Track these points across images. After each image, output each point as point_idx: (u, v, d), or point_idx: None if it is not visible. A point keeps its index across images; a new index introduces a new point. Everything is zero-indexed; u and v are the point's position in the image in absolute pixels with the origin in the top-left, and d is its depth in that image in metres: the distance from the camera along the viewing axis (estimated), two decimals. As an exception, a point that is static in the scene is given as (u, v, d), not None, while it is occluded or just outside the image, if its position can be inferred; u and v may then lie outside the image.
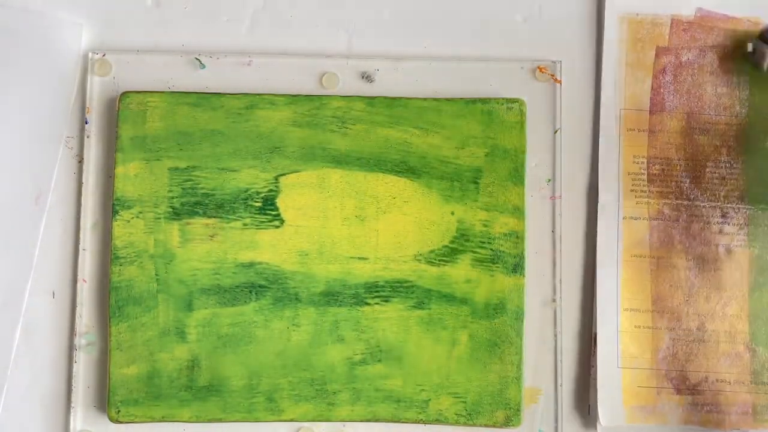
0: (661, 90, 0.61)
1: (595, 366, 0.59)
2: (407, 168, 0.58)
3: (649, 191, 0.60)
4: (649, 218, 0.60)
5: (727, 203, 0.60)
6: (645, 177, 0.60)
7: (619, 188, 0.60)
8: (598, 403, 0.58)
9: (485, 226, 0.58)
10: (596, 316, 0.59)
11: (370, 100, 0.59)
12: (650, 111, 0.60)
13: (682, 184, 0.60)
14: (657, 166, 0.60)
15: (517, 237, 0.58)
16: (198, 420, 0.57)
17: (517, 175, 0.58)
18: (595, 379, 0.59)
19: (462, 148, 0.59)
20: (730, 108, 0.60)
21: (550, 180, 0.60)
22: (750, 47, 0.60)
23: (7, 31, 0.60)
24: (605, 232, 0.60)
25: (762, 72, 0.59)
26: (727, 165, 0.60)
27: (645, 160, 0.60)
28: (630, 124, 0.60)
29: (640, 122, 0.60)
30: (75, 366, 0.58)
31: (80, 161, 0.60)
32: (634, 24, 0.61)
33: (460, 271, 0.58)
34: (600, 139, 0.60)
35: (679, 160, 0.60)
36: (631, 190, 0.60)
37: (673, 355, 0.59)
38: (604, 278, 0.59)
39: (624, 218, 0.60)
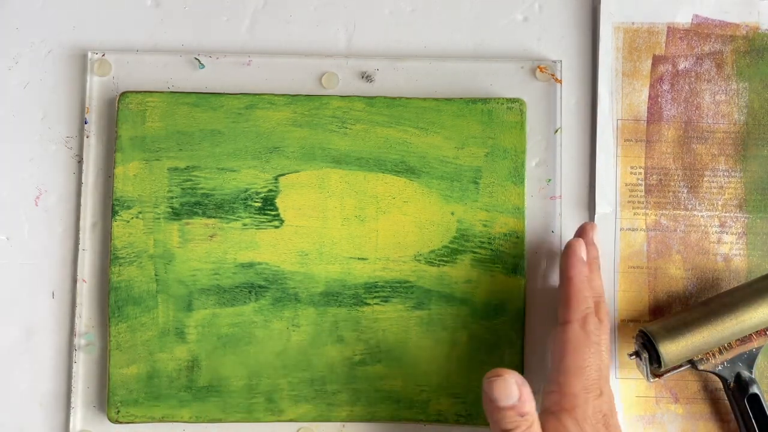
0: (659, 99, 0.60)
1: None
2: (407, 168, 0.58)
3: (647, 202, 0.59)
4: (647, 229, 0.59)
5: (726, 212, 0.59)
6: (642, 188, 0.60)
7: (616, 200, 0.59)
8: None
9: (485, 226, 0.58)
10: None
11: (370, 99, 0.59)
12: (647, 121, 0.60)
13: (679, 194, 0.60)
14: (654, 177, 0.60)
15: (517, 237, 0.58)
16: (198, 420, 0.57)
17: (517, 175, 0.58)
18: None
19: (462, 148, 0.58)
20: (729, 116, 0.60)
21: (550, 180, 0.60)
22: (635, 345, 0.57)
23: (7, 30, 0.60)
24: (602, 244, 0.59)
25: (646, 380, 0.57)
26: (726, 174, 0.60)
27: (642, 171, 0.60)
28: (627, 134, 0.60)
29: (637, 132, 0.60)
30: (75, 366, 0.58)
31: (80, 161, 0.60)
32: (629, 33, 0.60)
33: (460, 272, 0.58)
34: (597, 150, 0.60)
35: (676, 169, 0.60)
36: (629, 202, 0.59)
37: None
38: None
39: (621, 230, 0.59)
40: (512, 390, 0.49)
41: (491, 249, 0.58)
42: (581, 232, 0.57)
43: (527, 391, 0.49)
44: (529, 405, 0.49)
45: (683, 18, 0.60)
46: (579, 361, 0.52)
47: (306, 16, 0.61)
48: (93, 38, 0.61)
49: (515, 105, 0.59)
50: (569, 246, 0.55)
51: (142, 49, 0.60)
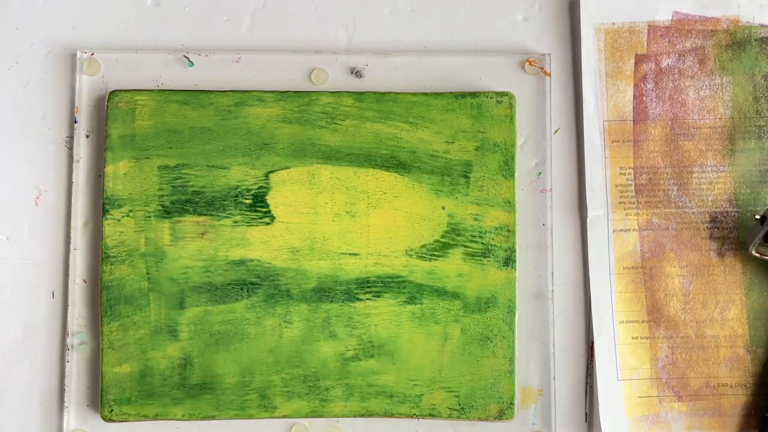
0: (644, 98, 0.60)
1: (591, 375, 0.59)
2: (397, 163, 0.58)
3: (638, 202, 0.59)
4: (639, 229, 0.59)
5: (716, 208, 0.59)
6: (632, 188, 0.59)
7: (607, 202, 0.59)
8: (601, 417, 0.58)
9: (476, 220, 0.58)
10: (593, 330, 0.59)
11: (359, 95, 0.59)
12: (634, 120, 0.60)
13: (669, 192, 0.60)
14: (644, 176, 0.60)
15: (508, 230, 0.58)
16: (191, 418, 0.57)
17: (507, 169, 0.58)
18: (592, 387, 0.59)
19: (452, 142, 0.58)
20: (714, 110, 0.60)
21: (540, 173, 0.60)
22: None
23: (7, 30, 0.61)
24: (596, 246, 0.59)
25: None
26: (714, 169, 0.60)
27: (632, 171, 0.60)
28: (614, 135, 0.60)
29: (624, 133, 0.60)
30: (68, 365, 0.58)
31: (78, 161, 0.60)
32: (611, 33, 0.60)
33: (452, 266, 0.58)
34: (585, 153, 0.60)
35: (665, 168, 0.60)
36: (620, 203, 0.59)
37: (672, 363, 0.59)
38: (597, 292, 0.59)
39: (614, 231, 0.59)
40: None
41: (482, 243, 0.58)
42: None
43: None
44: None
45: (663, 15, 0.60)
46: None
47: (295, 12, 0.61)
48: (93, 39, 0.61)
49: (504, 99, 0.59)
50: None
51: (131, 47, 0.60)
